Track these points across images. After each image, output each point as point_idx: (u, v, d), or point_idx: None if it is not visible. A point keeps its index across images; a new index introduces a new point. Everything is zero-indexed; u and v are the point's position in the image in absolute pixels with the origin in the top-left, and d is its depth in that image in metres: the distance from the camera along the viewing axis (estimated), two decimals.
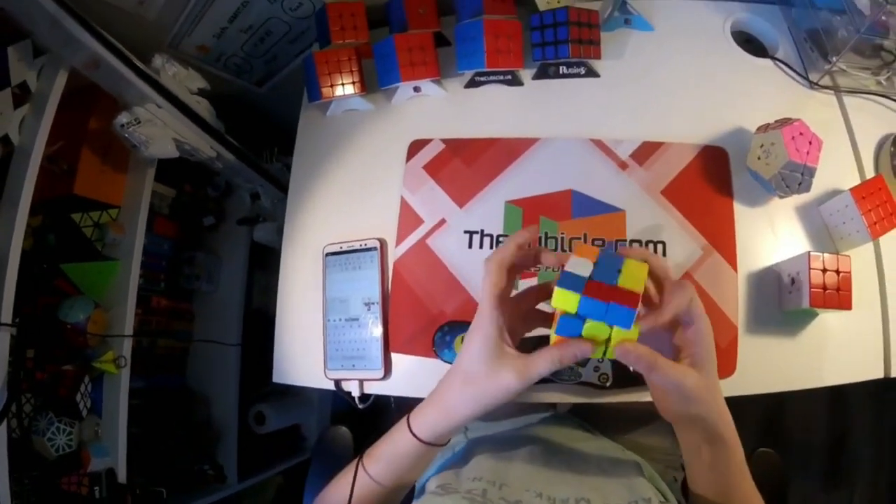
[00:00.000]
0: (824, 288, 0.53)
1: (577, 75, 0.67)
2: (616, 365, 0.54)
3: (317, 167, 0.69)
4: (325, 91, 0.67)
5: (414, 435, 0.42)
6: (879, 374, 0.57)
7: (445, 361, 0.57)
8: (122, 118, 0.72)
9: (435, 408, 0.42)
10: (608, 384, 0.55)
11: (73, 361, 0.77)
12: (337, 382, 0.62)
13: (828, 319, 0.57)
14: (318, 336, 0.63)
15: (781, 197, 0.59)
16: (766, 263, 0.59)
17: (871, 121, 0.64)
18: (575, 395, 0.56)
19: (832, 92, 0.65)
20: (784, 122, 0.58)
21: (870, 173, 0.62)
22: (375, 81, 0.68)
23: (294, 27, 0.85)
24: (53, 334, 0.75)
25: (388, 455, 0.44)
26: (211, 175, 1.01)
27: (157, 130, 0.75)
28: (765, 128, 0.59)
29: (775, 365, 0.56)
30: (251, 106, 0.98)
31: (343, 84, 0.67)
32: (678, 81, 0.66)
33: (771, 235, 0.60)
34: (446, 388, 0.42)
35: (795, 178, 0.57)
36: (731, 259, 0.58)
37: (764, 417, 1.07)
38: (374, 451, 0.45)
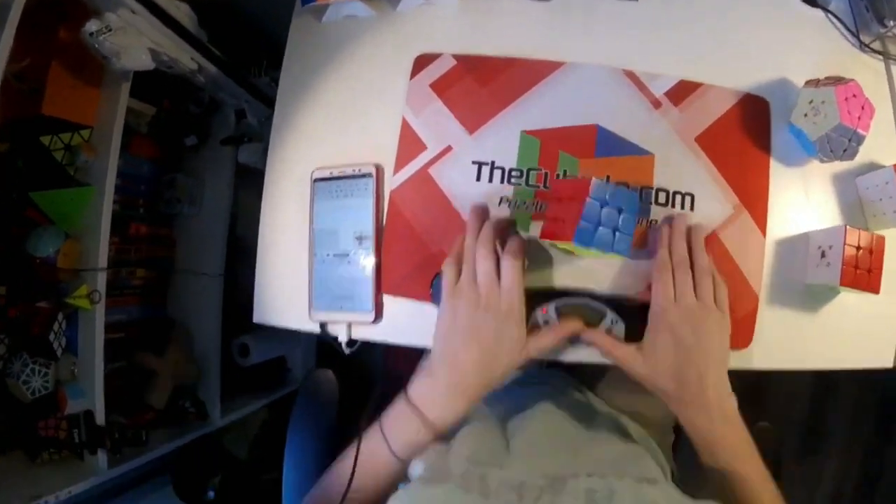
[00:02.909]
0: (856, 266, 0.46)
1: None
2: (629, 325, 0.46)
3: (308, 80, 0.55)
4: None
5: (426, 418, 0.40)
6: (889, 364, 0.50)
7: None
8: (91, 25, 0.59)
9: (452, 398, 0.41)
10: None
11: (46, 297, 0.66)
12: (323, 325, 0.52)
13: (847, 298, 0.49)
14: (304, 272, 0.52)
15: (822, 161, 0.50)
16: (796, 230, 0.50)
17: None
18: (575, 353, 0.48)
19: (881, 58, 0.55)
20: (837, 81, 0.47)
21: None
22: None
23: None
24: (23, 269, 0.65)
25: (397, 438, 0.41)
26: (193, 90, 0.85)
27: (131, 39, 0.61)
28: (815, 83, 0.49)
29: (791, 341, 0.49)
30: (238, 12, 0.80)
31: None
32: (723, 14, 0.54)
33: (804, 200, 0.51)
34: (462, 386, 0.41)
35: (842, 142, 0.47)
36: (762, 222, 0.49)
37: (751, 388, 1.03)
38: (383, 430, 0.42)
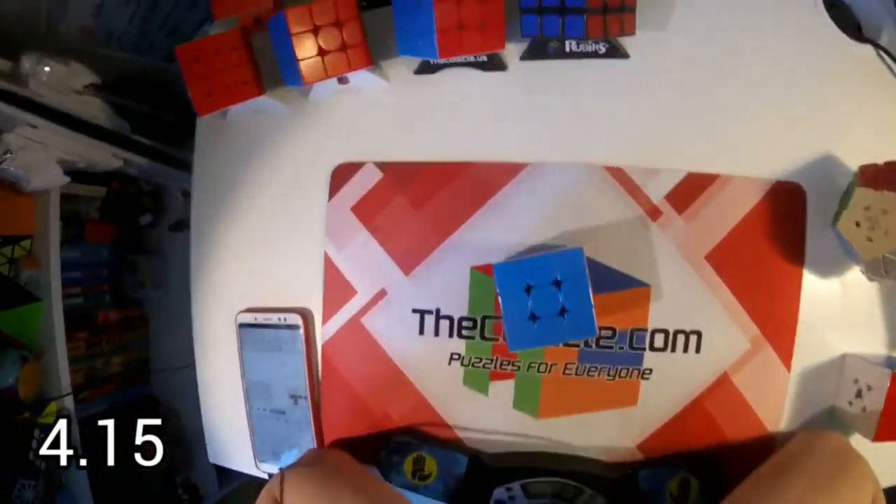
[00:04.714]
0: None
1: (595, 54, 0.37)
2: (612, 499, 0.36)
3: (221, 197, 0.43)
4: (203, 104, 0.38)
5: None
6: None
7: (394, 485, 0.39)
8: None
9: None
10: None
11: (19, 416, 0.61)
12: (270, 475, 0.45)
13: None
14: (245, 419, 0.44)
15: (870, 279, 0.36)
16: (829, 354, 0.38)
17: None
18: None
19: None
20: None
21: None
22: None
23: None
24: None
25: None
26: None
27: (37, 156, 0.52)
28: (872, 175, 0.33)
29: None
30: (165, 86, 0.66)
31: (228, 88, 0.38)
32: (741, 78, 0.37)
33: (843, 316, 0.38)
34: None
35: None
36: (786, 354, 0.37)
37: None
38: None
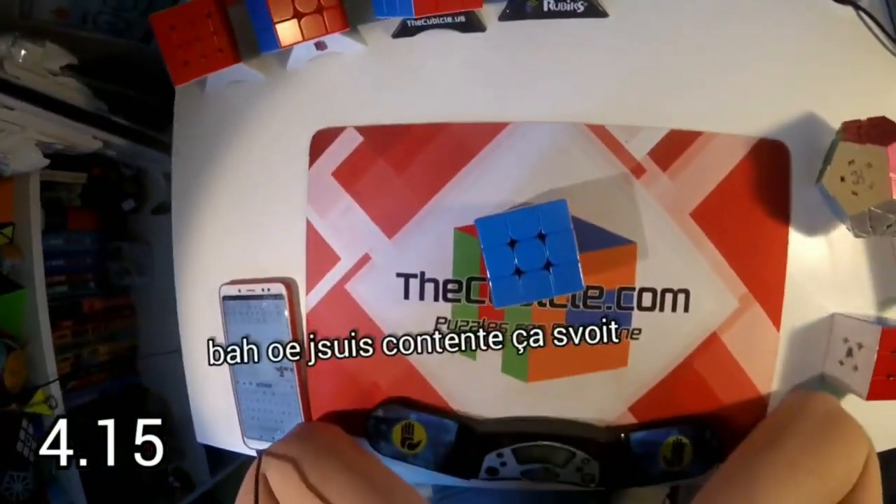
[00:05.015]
0: (889, 374, 0.33)
1: (573, 13, 0.37)
2: (606, 466, 0.36)
3: (201, 169, 0.42)
4: (180, 73, 0.37)
5: None
6: None
7: (383, 455, 0.38)
8: None
9: None
10: (593, 485, 0.37)
11: (6, 407, 0.60)
12: (259, 452, 0.44)
13: None
14: (232, 395, 0.43)
15: (856, 236, 0.35)
16: (818, 314, 0.37)
17: None
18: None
19: None
20: (887, 131, 0.32)
21: None
22: None
23: None
24: None
25: None
26: None
27: (15, 138, 0.50)
28: (855, 130, 0.33)
29: None
30: (143, 67, 0.65)
31: (205, 56, 0.37)
32: (724, 35, 0.37)
33: (829, 275, 0.37)
34: None
35: (887, 219, 0.32)
36: (775, 313, 0.36)
37: None
38: None
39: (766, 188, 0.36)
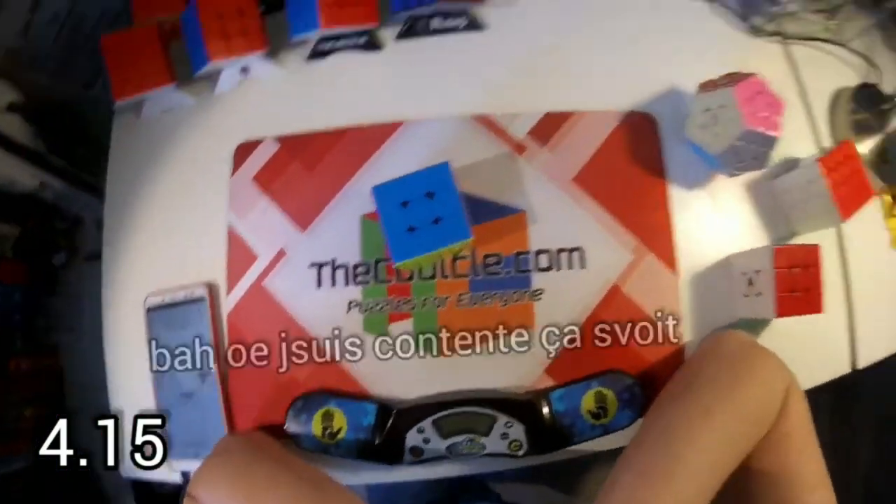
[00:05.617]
0: (792, 290, 0.35)
1: (456, 29, 0.43)
2: (530, 428, 0.35)
3: (134, 189, 0.45)
4: (121, 88, 0.42)
5: None
6: (846, 370, 0.40)
7: (306, 449, 0.37)
8: None
9: None
10: (521, 452, 0.35)
11: None
12: (185, 475, 0.41)
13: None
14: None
15: (731, 175, 0.39)
16: (714, 258, 0.39)
17: (821, 74, 0.44)
18: (481, 467, 0.37)
19: (778, 40, 0.44)
20: (735, 78, 0.37)
21: (825, 138, 0.43)
22: None
23: (107, 6, 0.58)
24: None
25: None
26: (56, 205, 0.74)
27: None
28: (711, 85, 0.38)
29: None
30: (83, 115, 0.70)
31: (144, 77, 0.43)
32: (588, 30, 0.43)
33: (717, 221, 0.40)
34: None
35: (751, 150, 0.36)
36: (669, 258, 0.39)
37: None
38: None
39: (640, 151, 0.40)
